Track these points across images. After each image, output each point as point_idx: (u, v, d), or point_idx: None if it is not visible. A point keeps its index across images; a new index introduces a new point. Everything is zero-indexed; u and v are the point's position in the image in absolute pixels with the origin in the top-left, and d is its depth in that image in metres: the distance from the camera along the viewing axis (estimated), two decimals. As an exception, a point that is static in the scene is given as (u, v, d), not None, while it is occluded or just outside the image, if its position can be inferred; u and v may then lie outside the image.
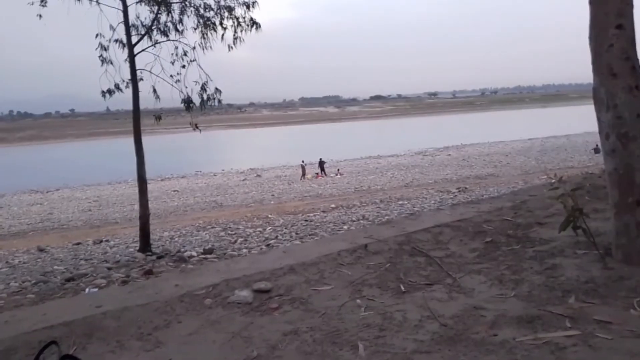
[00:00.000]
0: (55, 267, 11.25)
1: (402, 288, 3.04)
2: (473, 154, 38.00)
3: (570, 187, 3.74)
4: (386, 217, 14.83)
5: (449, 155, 38.72)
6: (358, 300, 2.88)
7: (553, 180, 4.21)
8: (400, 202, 18.79)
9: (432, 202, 17.98)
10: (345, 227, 14.70)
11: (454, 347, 2.27)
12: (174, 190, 27.56)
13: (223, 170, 38.50)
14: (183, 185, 30.02)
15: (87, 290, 7.52)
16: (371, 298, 2.91)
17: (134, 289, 3.26)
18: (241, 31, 11.08)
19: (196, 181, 32.47)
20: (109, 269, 9.85)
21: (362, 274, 3.31)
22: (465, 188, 21.15)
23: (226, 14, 11.01)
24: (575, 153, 33.46)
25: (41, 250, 14.38)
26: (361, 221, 15.38)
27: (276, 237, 14.16)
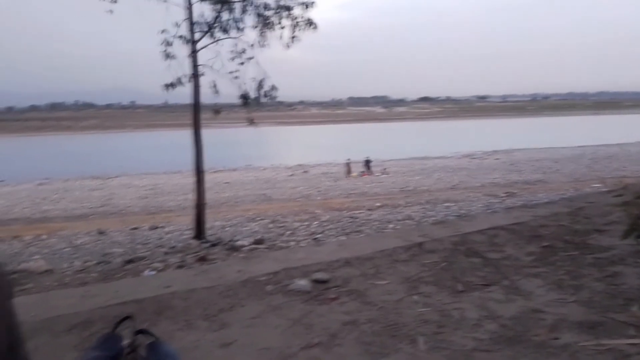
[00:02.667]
0: (115, 249, 11.68)
1: (459, 287, 3.01)
2: (522, 159, 36.88)
3: (633, 195, 3.59)
4: (432, 219, 14.61)
5: (497, 159, 37.74)
6: (415, 297, 2.87)
7: (609, 188, 4.05)
8: (447, 204, 18.47)
9: (480, 205, 17.57)
10: (390, 225, 14.57)
11: (514, 348, 2.24)
12: (225, 182, 28.06)
13: (272, 165, 38.95)
14: (234, 178, 30.54)
15: (146, 272, 7.78)
16: (428, 295, 2.89)
17: (199, 273, 3.36)
18: (298, 30, 11.19)
19: (246, 174, 32.98)
20: (166, 253, 10.14)
21: (417, 271, 3.29)
22: (514, 193, 20.58)
23: (284, 13, 11.13)
24: (628, 162, 31.95)
25: (101, 232, 14.94)
26: (407, 221, 15.20)
27: (322, 231, 14.19)
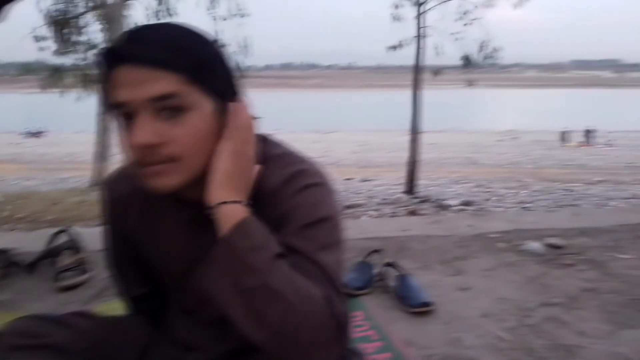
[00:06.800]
0: (333, 195, 12.70)
1: None
2: None
3: None
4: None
5: None
6: (665, 276, 2.60)
7: None
8: (688, 186, 15.55)
9: None
10: (612, 203, 12.84)
11: None
12: (431, 143, 27.91)
13: (480, 128, 37.34)
14: (440, 140, 30.17)
15: (363, 218, 8.37)
16: (682, 277, 2.59)
17: (432, 222, 3.53)
18: (531, -12, 10.32)
19: (452, 137, 32.26)
20: (378, 204, 10.68)
21: (668, 250, 2.94)
22: None
23: (516, -29, 10.33)
24: None
25: (323, 179, 16.29)
26: (633, 200, 13.28)
27: (532, 201, 13.23)
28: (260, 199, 0.98)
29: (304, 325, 0.84)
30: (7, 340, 1.06)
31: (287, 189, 1.00)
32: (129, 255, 1.23)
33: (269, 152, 1.06)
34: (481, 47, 10.90)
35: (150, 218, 1.13)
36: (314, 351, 0.86)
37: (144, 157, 0.90)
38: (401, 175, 12.47)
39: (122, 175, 1.15)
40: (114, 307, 1.97)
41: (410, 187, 11.33)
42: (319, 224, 0.97)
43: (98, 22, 9.11)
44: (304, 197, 0.99)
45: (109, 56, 0.89)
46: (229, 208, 0.91)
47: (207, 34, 0.95)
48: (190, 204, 1.03)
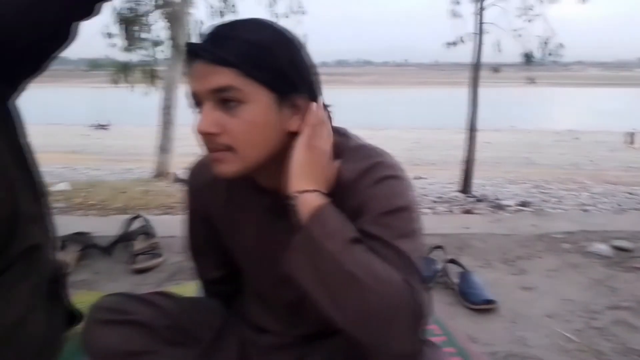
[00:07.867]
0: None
1: None
2: None
3: None
4: None
5: None
6: None
7: None
8: None
9: None
10: (682, 207, 12.13)
11: None
12: (486, 142, 27.10)
13: (538, 128, 35.96)
14: (495, 138, 29.26)
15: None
16: None
17: (493, 220, 3.48)
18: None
19: (509, 136, 31.23)
20: (432, 202, 10.51)
21: None
22: None
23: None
24: None
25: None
26: None
27: (593, 204, 12.65)
28: (338, 191, 1.01)
29: (383, 306, 0.85)
30: (97, 315, 1.15)
31: (363, 180, 1.02)
32: (208, 239, 1.29)
33: (346, 145, 1.09)
34: (543, 44, 10.46)
35: (231, 205, 1.18)
36: (390, 335, 0.87)
37: (207, 144, 0.96)
38: (455, 173, 12.19)
39: (205, 163, 1.21)
40: (185, 289, 2.07)
41: (465, 185, 11.05)
42: (396, 213, 0.99)
43: (163, 20, 9.41)
44: (381, 189, 1.01)
45: (187, 52, 0.96)
46: (306, 197, 0.94)
47: (279, 29, 0.98)
48: (269, 192, 1.07)
